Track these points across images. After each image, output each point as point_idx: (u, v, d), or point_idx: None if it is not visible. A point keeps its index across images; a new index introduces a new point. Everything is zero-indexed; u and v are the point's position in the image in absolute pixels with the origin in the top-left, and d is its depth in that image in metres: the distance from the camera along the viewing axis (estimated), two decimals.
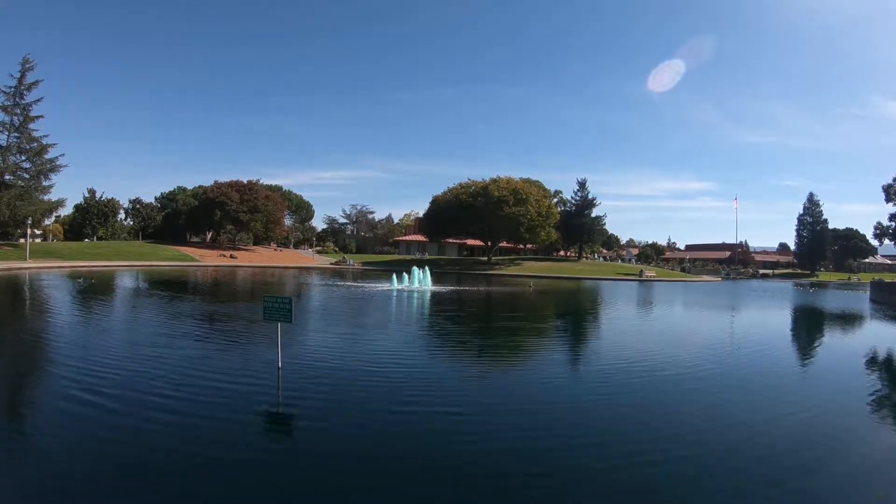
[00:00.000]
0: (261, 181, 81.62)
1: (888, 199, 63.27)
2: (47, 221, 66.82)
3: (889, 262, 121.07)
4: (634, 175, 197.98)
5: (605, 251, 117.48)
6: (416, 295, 30.30)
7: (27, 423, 7.38)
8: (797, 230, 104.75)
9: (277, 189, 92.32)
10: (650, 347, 15.25)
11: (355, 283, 37.97)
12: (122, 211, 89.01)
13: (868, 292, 43.88)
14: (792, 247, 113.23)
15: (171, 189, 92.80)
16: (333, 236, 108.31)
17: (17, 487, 5.30)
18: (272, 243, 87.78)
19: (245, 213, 72.39)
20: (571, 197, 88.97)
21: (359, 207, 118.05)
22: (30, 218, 48.78)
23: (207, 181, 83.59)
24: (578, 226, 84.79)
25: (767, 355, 14.58)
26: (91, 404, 7.73)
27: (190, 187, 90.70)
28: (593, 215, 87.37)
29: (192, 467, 5.84)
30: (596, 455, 6.59)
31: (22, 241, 53.11)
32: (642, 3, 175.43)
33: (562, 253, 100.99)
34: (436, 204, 74.21)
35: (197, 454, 6.17)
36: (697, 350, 14.95)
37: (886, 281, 45.44)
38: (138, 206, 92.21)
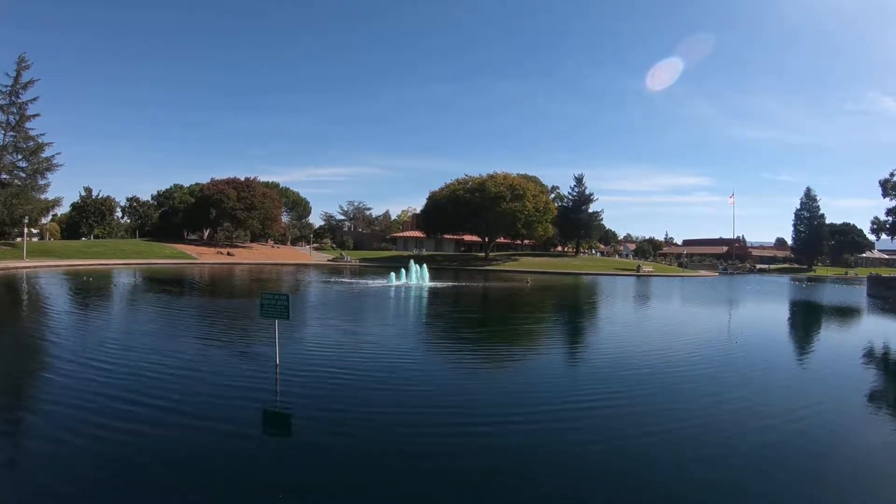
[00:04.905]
0: (258, 178, 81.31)
1: (885, 194, 63.14)
2: (44, 220, 66.60)
3: (886, 256, 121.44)
4: (631, 170, 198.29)
5: (602, 246, 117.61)
6: (413, 291, 30.34)
7: (26, 423, 7.39)
8: (794, 225, 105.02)
9: (274, 186, 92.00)
10: (654, 342, 15.34)
11: (353, 280, 37.98)
12: (118, 209, 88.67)
13: (865, 287, 44.06)
14: (789, 241, 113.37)
15: (168, 187, 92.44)
16: (331, 233, 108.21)
17: (17, 488, 5.32)
18: (269, 240, 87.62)
19: (242, 211, 72.17)
20: (569, 192, 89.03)
21: (356, 204, 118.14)
22: (26, 217, 48.52)
23: (204, 179, 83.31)
24: (576, 221, 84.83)
25: (767, 349, 14.65)
26: (89, 402, 7.76)
27: (187, 185, 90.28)
28: (591, 211, 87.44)
29: (190, 464, 5.87)
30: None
31: (19, 240, 52.90)
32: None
33: (559, 248, 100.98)
34: (433, 200, 74.14)
35: (195, 451, 6.20)
36: (697, 343, 15.03)
37: (883, 275, 45.60)
38: (135, 204, 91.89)
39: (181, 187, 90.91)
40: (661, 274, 65.15)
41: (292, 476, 5.59)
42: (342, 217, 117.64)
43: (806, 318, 25.35)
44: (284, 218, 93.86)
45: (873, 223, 73.67)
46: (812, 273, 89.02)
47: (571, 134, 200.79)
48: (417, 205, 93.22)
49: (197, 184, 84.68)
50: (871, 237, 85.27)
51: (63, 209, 72.33)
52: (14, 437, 6.71)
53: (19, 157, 51.75)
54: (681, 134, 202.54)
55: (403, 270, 37.40)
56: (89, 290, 27.06)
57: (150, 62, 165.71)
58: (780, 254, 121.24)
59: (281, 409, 8.16)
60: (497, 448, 6.60)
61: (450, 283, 37.46)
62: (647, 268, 68.33)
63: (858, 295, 39.92)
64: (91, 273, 37.55)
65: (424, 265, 39.43)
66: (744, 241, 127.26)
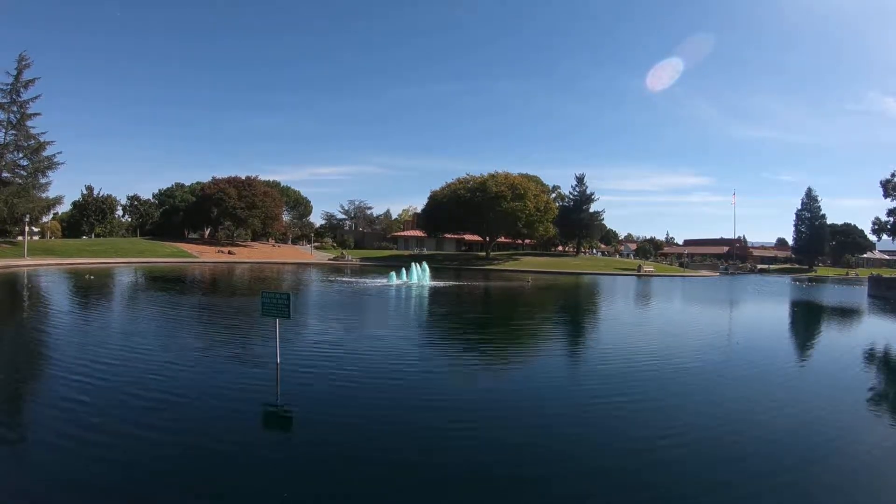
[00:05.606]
0: (259, 177, 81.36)
1: (886, 195, 63.06)
2: (45, 219, 66.63)
3: (887, 257, 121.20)
4: (632, 170, 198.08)
5: (603, 246, 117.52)
6: (414, 290, 30.34)
7: (26, 422, 7.40)
8: (795, 225, 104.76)
9: (275, 185, 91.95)
10: (656, 343, 15.34)
11: (354, 279, 37.98)
12: (119, 208, 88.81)
13: (866, 287, 44.00)
14: (790, 242, 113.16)
15: (169, 185, 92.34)
16: (332, 232, 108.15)
17: (17, 488, 5.31)
18: (270, 239, 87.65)
19: (243, 210, 72.19)
20: (569, 192, 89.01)
21: (357, 203, 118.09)
22: (27, 215, 48.57)
23: (205, 177, 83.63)
24: (577, 221, 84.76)
25: (768, 350, 14.62)
26: (89, 401, 7.76)
27: (188, 184, 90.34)
28: (591, 210, 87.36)
29: (191, 464, 5.88)
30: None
31: (20, 238, 52.94)
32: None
33: (560, 248, 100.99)
34: (434, 199, 74.10)
35: (196, 451, 6.21)
36: (698, 344, 15.03)
37: (884, 276, 45.55)
38: (136, 202, 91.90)
39: (182, 186, 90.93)
40: (662, 274, 65.10)
41: (294, 476, 5.59)
42: (343, 216, 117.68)
43: (807, 319, 25.29)
44: (285, 217, 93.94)
45: (874, 224, 73.62)
46: (813, 273, 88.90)
47: (572, 134, 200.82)
48: (418, 204, 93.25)
49: (198, 182, 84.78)
50: (873, 238, 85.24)
51: (64, 207, 72.53)
52: (12, 437, 6.71)
53: (20, 155, 51.83)
54: (681, 134, 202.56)
55: (404, 270, 37.41)
56: (91, 288, 27.04)
57: (152, 60, 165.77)
58: (781, 254, 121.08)
59: (282, 409, 8.15)
60: (501, 449, 6.59)
61: (450, 283, 37.46)
62: (647, 268, 68.27)
63: (859, 296, 39.85)
64: (92, 272, 37.53)
65: (425, 264, 39.46)
66: (745, 241, 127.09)
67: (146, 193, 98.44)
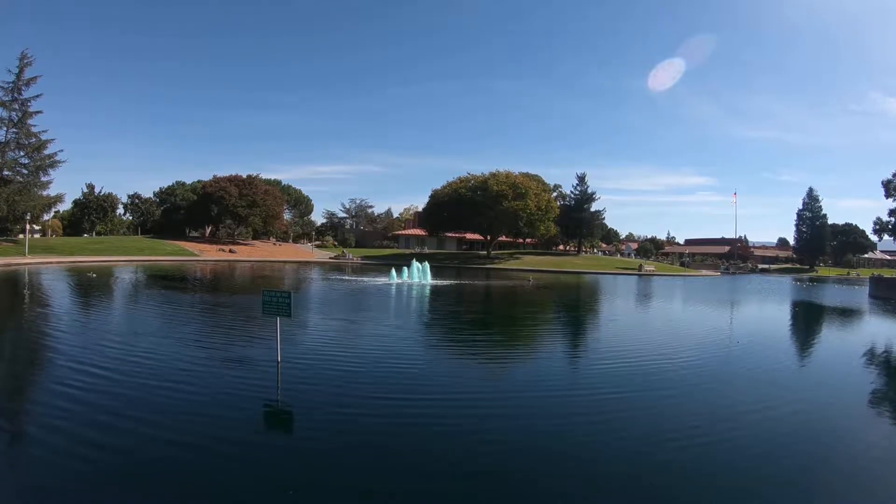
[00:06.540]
0: (260, 176, 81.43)
1: (888, 195, 63.09)
2: (46, 217, 66.65)
3: (888, 257, 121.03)
4: (633, 170, 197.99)
5: (604, 245, 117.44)
6: (415, 289, 30.35)
7: (26, 420, 7.40)
8: (796, 225, 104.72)
9: (276, 183, 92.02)
10: (657, 343, 15.33)
11: (355, 278, 37.98)
12: (120, 206, 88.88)
13: (867, 288, 43.93)
14: (791, 242, 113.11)
15: (170, 184, 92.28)
16: (333, 231, 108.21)
17: (16, 487, 5.32)
18: (271, 238, 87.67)
19: (244, 208, 72.18)
20: (571, 191, 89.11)
21: (358, 202, 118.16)
22: (28, 213, 48.61)
23: (206, 176, 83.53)
24: (578, 220, 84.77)
25: (768, 350, 14.61)
26: (90, 400, 7.77)
27: (189, 182, 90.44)
28: (593, 209, 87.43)
29: (191, 462, 5.87)
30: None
31: (21, 236, 52.96)
32: None
33: (561, 247, 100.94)
34: (435, 198, 74.12)
35: (196, 449, 6.20)
36: (699, 345, 15.01)
37: (885, 276, 45.45)
38: (137, 201, 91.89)
39: (183, 184, 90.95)
40: (663, 273, 65.05)
41: (294, 475, 5.59)
42: (344, 215, 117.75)
43: (808, 320, 25.26)
44: (286, 215, 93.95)
45: (876, 224, 73.66)
46: (814, 274, 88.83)
47: (574, 133, 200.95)
48: (419, 203, 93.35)
49: (199, 181, 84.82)
50: (874, 238, 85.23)
51: (65, 206, 72.52)
52: (11, 433, 6.72)
53: (21, 153, 51.81)
54: (682, 133, 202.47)
55: (405, 268, 37.42)
56: (93, 286, 27.05)
57: (153, 58, 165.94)
58: (783, 254, 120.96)
59: (283, 408, 8.15)
60: (503, 448, 6.58)
61: (451, 282, 37.46)
62: (648, 267, 68.22)
63: (860, 296, 39.80)
64: (94, 270, 37.55)
65: (426, 263, 39.45)
66: (746, 240, 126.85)
67: (147, 192, 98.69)
